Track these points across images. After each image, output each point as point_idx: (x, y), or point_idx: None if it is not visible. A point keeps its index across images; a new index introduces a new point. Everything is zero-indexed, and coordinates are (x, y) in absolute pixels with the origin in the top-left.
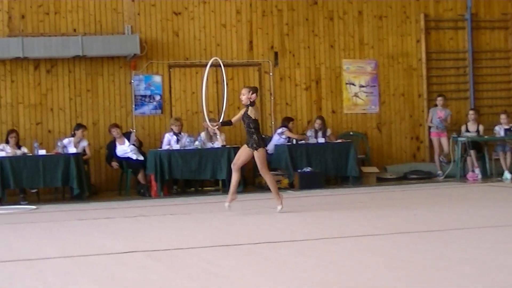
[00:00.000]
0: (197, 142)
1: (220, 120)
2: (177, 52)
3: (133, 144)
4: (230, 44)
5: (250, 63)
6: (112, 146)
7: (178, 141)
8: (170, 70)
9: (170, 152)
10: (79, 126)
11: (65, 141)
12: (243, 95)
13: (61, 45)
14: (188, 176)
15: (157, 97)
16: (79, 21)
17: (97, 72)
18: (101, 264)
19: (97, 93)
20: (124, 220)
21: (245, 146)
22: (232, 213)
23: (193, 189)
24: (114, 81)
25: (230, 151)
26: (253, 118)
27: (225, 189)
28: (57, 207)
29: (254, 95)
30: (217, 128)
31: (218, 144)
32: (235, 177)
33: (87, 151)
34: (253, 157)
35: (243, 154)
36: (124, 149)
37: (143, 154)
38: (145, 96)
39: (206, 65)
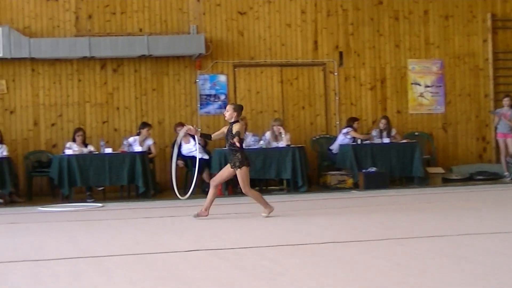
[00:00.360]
0: (262, 142)
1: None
2: (242, 51)
3: (199, 143)
4: (295, 43)
5: (315, 62)
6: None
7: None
8: (235, 69)
9: None
10: (145, 124)
11: (131, 139)
12: (227, 111)
13: (127, 45)
14: (252, 176)
15: (222, 97)
16: (145, 21)
17: (162, 72)
18: (166, 262)
19: (163, 92)
20: (189, 219)
21: (228, 165)
22: (297, 213)
23: (257, 188)
24: (179, 80)
25: (294, 151)
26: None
27: (289, 188)
28: (123, 205)
29: (236, 113)
30: (195, 133)
31: (283, 143)
32: (211, 193)
33: (153, 149)
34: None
35: (225, 173)
36: (190, 147)
37: (208, 153)
38: (210, 95)
39: (271, 65)
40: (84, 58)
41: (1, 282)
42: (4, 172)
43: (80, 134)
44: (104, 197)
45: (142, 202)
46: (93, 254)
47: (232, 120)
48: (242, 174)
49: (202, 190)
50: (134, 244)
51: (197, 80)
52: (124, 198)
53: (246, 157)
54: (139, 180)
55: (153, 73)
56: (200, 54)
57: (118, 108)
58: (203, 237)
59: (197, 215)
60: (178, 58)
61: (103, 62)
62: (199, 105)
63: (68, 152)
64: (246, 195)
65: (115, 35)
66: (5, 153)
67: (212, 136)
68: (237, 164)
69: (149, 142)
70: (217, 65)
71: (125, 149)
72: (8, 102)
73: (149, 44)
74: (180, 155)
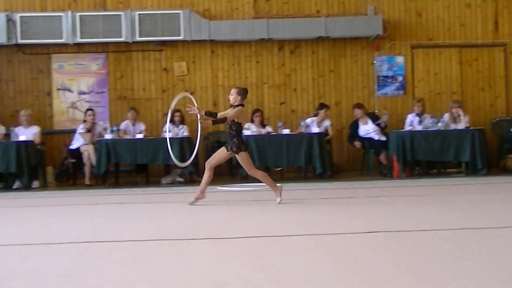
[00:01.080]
0: (440, 124)
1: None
2: (420, 32)
3: (379, 124)
4: (474, 24)
5: (495, 43)
6: (354, 126)
7: (420, 122)
8: (413, 50)
9: (413, 133)
10: (322, 105)
11: (308, 120)
12: (231, 95)
13: (304, 27)
14: (430, 158)
15: (400, 78)
16: (322, 2)
17: (339, 53)
18: (344, 243)
19: (340, 74)
20: (366, 200)
21: (223, 148)
22: (476, 196)
23: (435, 170)
24: (356, 61)
25: (474, 133)
26: (236, 121)
27: (468, 171)
28: (300, 186)
29: (240, 97)
30: (198, 113)
31: (461, 125)
32: (206, 176)
33: (330, 130)
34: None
35: (220, 155)
36: (367, 129)
37: (385, 134)
38: (387, 77)
39: (449, 46)
40: (262, 40)
41: (183, 258)
42: (185, 151)
43: (258, 115)
44: (281, 177)
45: (319, 183)
46: (271, 234)
47: (236, 104)
48: (242, 159)
49: (379, 171)
50: (311, 225)
51: (375, 62)
52: (301, 179)
53: (243, 142)
54: (317, 161)
55: (330, 54)
56: (377, 35)
57: (295, 89)
58: (381, 218)
59: (194, 201)
60: (355, 39)
61: (281, 43)
62: (376, 87)
63: (246, 132)
64: (253, 176)
65: (293, 17)
66: (186, 133)
67: (218, 115)
68: (234, 149)
69: (327, 123)
70: (394, 46)
71: (303, 130)
72: (189, 83)
73: (326, 26)
74: (357, 136)
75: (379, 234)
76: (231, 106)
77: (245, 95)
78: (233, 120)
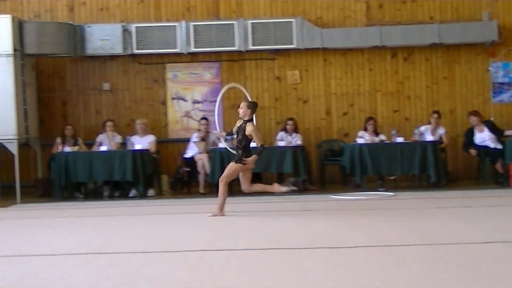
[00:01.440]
0: None
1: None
2: None
3: (491, 131)
4: None
5: None
6: (470, 133)
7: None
8: None
9: None
10: (434, 112)
11: (422, 128)
12: (241, 108)
13: (418, 33)
14: None
15: None
16: (435, 8)
17: (453, 60)
18: (460, 254)
19: (454, 81)
20: (483, 210)
21: (232, 162)
22: None
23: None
24: (471, 68)
25: None
26: (248, 136)
27: None
28: (414, 195)
29: (250, 111)
30: (222, 138)
31: None
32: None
33: (444, 138)
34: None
35: (233, 170)
36: (483, 136)
37: (502, 142)
38: (503, 83)
39: None
40: (375, 47)
41: (298, 267)
42: (298, 160)
43: (371, 123)
44: (395, 186)
45: (433, 191)
46: (386, 243)
47: (246, 118)
48: (230, 167)
49: (495, 180)
50: (427, 234)
51: (490, 68)
52: (415, 187)
53: (246, 157)
54: (431, 169)
55: (444, 61)
56: (492, 41)
57: (409, 97)
58: (498, 228)
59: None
60: (469, 45)
61: (394, 51)
62: (492, 94)
63: (359, 141)
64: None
65: (406, 24)
66: (299, 142)
67: (233, 130)
68: (236, 158)
69: (441, 131)
70: (510, 53)
71: (417, 138)
72: (301, 92)
73: (440, 32)
74: (473, 144)
75: (497, 244)
76: (244, 120)
77: (255, 109)
78: (244, 135)
